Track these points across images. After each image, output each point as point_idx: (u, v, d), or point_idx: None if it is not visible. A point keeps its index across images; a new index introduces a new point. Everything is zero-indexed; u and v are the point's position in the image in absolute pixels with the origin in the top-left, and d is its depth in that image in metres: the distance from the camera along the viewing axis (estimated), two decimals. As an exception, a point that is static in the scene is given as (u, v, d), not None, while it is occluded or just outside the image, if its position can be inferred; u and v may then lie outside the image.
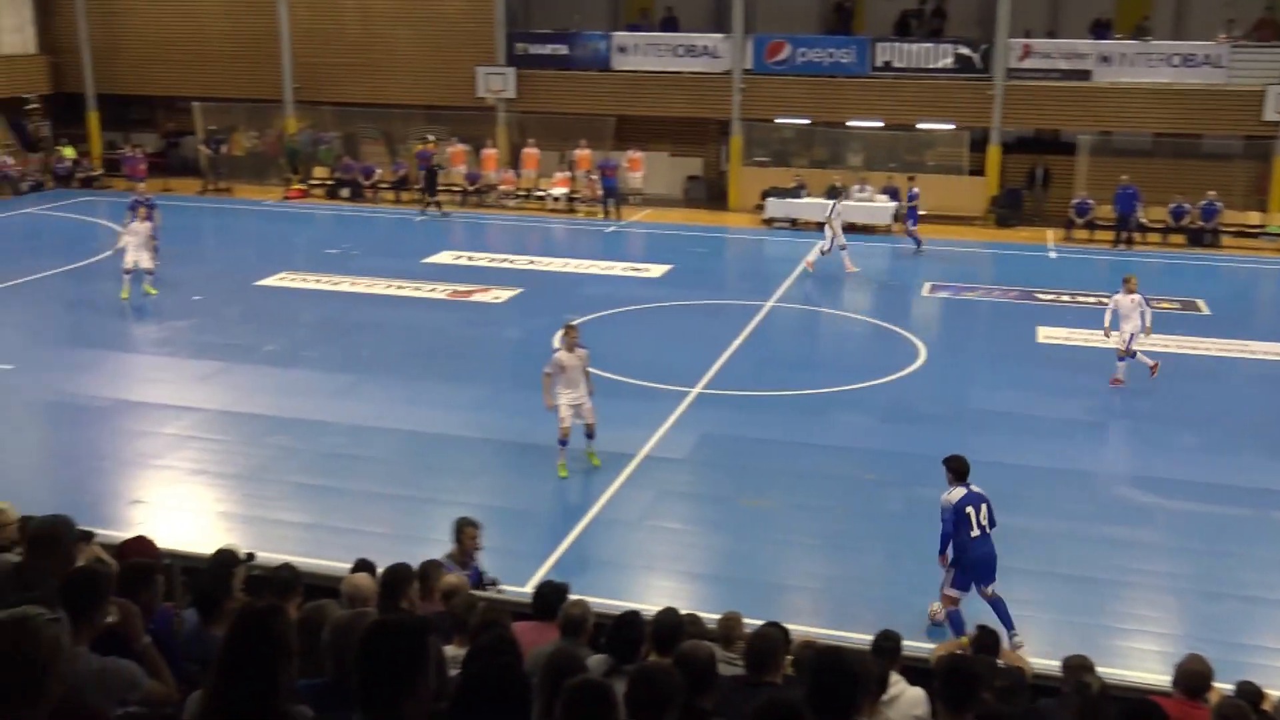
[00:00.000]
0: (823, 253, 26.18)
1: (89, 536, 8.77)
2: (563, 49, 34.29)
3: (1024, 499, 14.22)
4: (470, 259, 27.14)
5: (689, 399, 17.62)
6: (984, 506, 10.90)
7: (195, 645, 6.03)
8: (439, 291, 23.94)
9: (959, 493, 10.88)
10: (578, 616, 6.90)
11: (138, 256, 22.54)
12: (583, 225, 32.04)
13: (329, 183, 35.40)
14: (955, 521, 10.84)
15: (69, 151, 36.87)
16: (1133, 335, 18.11)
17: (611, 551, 12.97)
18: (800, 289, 24.92)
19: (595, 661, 6.14)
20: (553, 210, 33.41)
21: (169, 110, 39.05)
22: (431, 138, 35.19)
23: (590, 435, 14.76)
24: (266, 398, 17.58)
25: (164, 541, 10.18)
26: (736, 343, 20.67)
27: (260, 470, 14.99)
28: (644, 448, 15.64)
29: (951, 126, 32.39)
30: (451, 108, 35.08)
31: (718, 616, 7.94)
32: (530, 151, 34.34)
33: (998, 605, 10.94)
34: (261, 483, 14.60)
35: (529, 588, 9.99)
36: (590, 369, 14.85)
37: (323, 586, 8.30)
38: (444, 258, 27.07)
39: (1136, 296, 18.18)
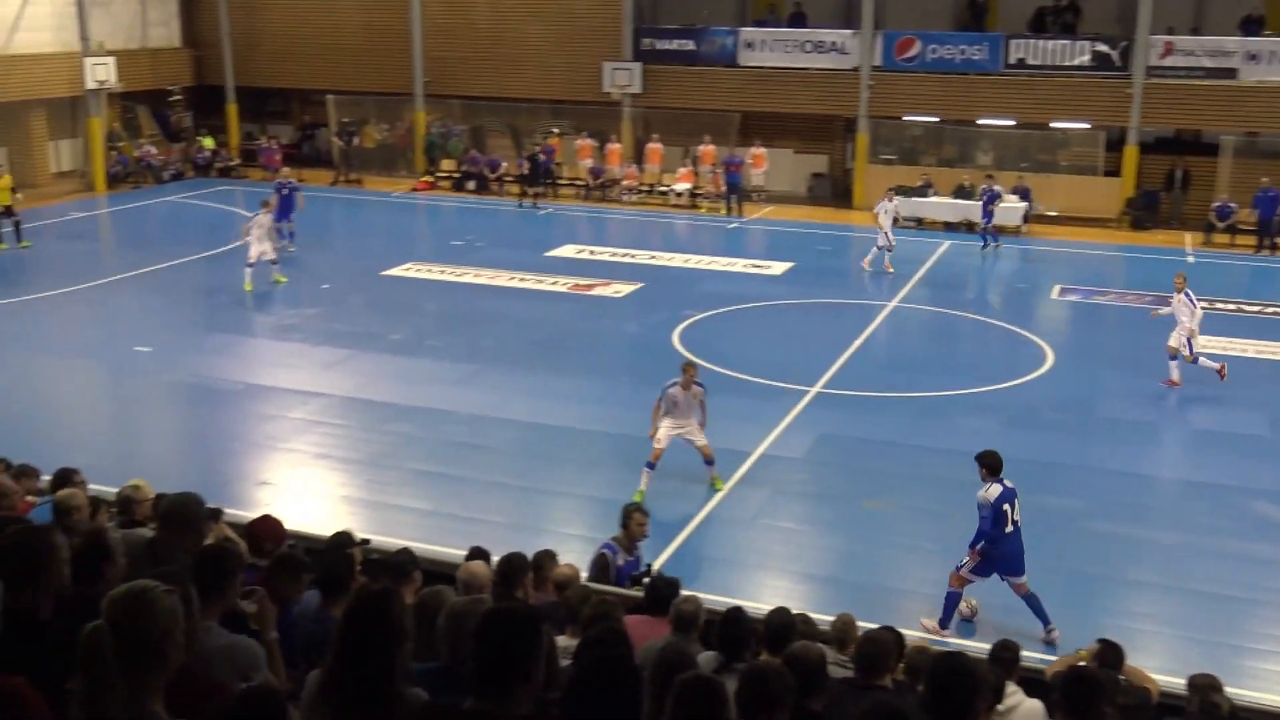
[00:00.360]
0: (880, 248, 25.79)
1: (217, 515, 9.05)
2: (689, 44, 34.27)
3: (1152, 510, 13.79)
4: (592, 253, 27.30)
5: (807, 398, 17.46)
6: (1016, 502, 10.95)
7: (315, 625, 6.15)
8: (560, 285, 24.13)
9: (996, 489, 10.87)
10: (690, 613, 6.87)
11: (261, 249, 23.16)
12: (705, 221, 31.99)
13: (455, 175, 35.94)
14: (994, 519, 10.80)
15: (208, 142, 38.09)
16: (1188, 338, 17.80)
17: (725, 549, 12.91)
18: (924, 290, 24.50)
19: (705, 658, 6.11)
20: (675, 206, 33.42)
21: (304, 103, 40.11)
22: (556, 131, 35.53)
23: (709, 462, 14.22)
24: (390, 385, 17.91)
25: (287, 523, 10.46)
26: (857, 343, 20.42)
27: (381, 456, 15.28)
28: (760, 446, 15.55)
29: (1086, 126, 31.52)
30: (577, 102, 35.35)
31: (830, 618, 7.85)
32: (654, 147, 34.41)
33: (1032, 601, 10.89)
34: (382, 469, 14.88)
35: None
36: (704, 404, 14.22)
37: (439, 573, 8.42)
38: (566, 251, 27.28)
39: (1180, 296, 17.98)
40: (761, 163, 33.68)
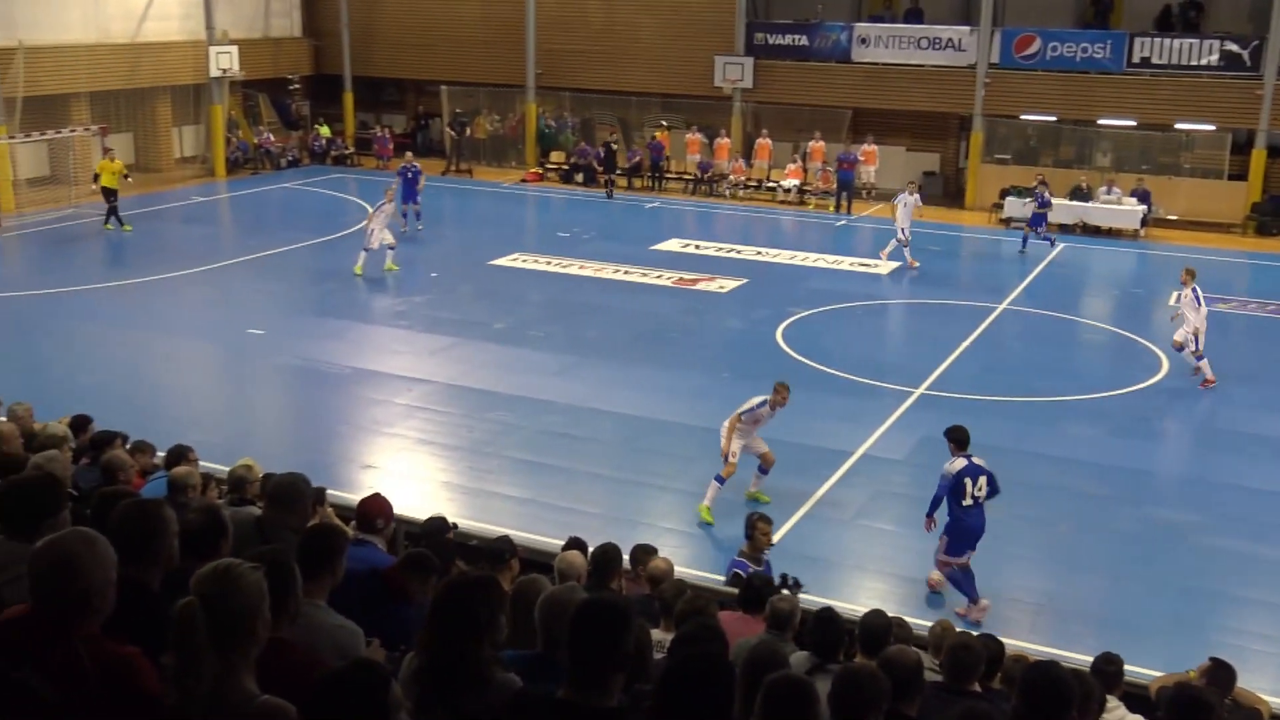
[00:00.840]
0: (898, 242, 25.26)
1: (321, 497, 9.24)
2: (802, 40, 34.01)
3: (1270, 527, 13.31)
4: (698, 247, 27.25)
5: (911, 399, 17.22)
6: (981, 479, 11.31)
7: (413, 608, 6.23)
8: (665, 278, 24.14)
9: (960, 463, 11.36)
10: (786, 611, 6.83)
11: (382, 236, 23.57)
12: (812, 218, 31.74)
13: (564, 167, 36.18)
14: (951, 489, 11.28)
15: (325, 130, 38.89)
16: (1194, 334, 17.89)
17: (822, 548, 12.79)
18: (1035, 292, 23.99)
19: (798, 658, 6.06)
20: (782, 202, 33.21)
21: (418, 93, 40.72)
22: (665, 124, 35.56)
23: (765, 471, 13.75)
24: (492, 374, 18.10)
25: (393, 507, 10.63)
26: (965, 344, 20.07)
27: (482, 444, 15.45)
28: (862, 446, 15.39)
29: (1212, 128, 30.55)
30: (687, 96, 35.32)
31: (928, 623, 7.72)
32: (763, 142, 34.24)
33: (967, 576, 11.37)
34: (483, 456, 15.04)
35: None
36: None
37: (535, 561, 8.49)
38: (672, 245, 27.28)
39: (1187, 292, 18.16)
40: (873, 160, 33.29)
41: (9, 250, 26.69)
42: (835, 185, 32.28)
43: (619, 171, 34.36)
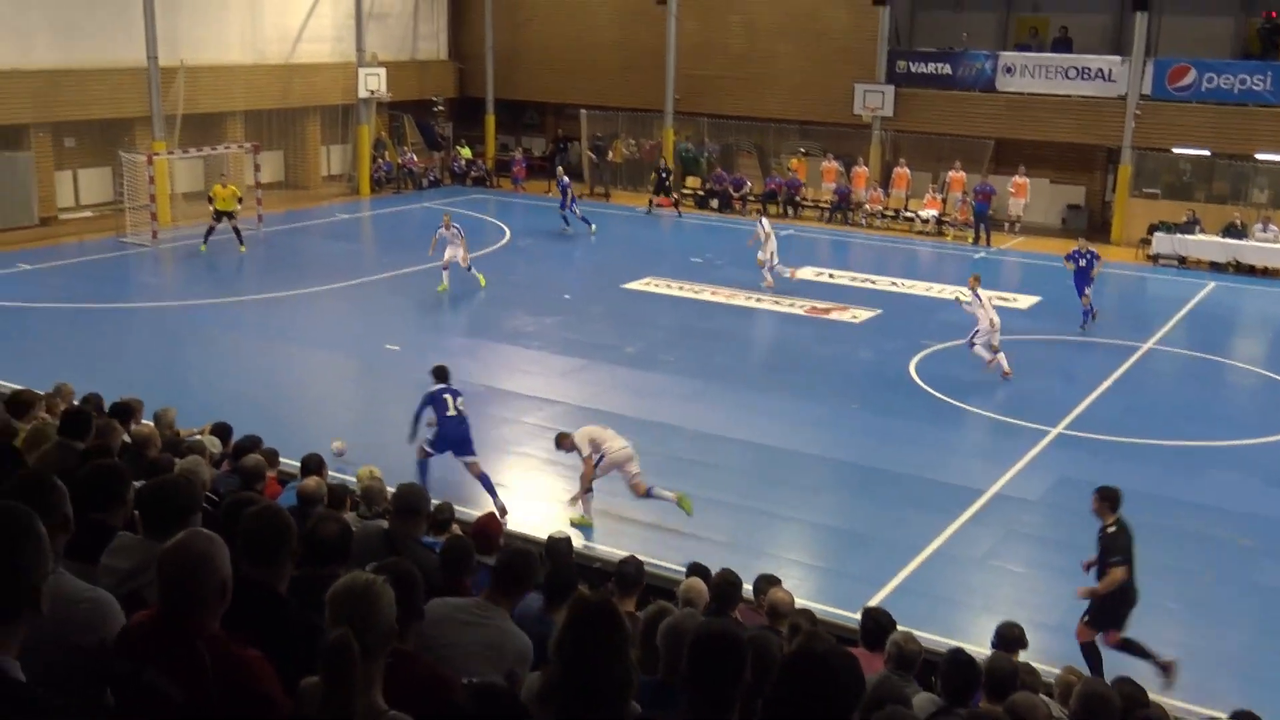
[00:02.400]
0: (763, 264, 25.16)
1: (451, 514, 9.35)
2: (945, 68, 33.55)
3: None
4: (831, 276, 26.99)
5: (1048, 438, 16.73)
6: (460, 398, 14.09)
7: (537, 628, 6.25)
8: (797, 306, 23.95)
9: (438, 386, 14.07)
10: (912, 652, 6.66)
11: (454, 254, 24.05)
12: (950, 249, 31.19)
13: (699, 193, 36.25)
14: (430, 402, 13.96)
15: (466, 151, 39.69)
16: (979, 331, 19.50)
17: (949, 587, 12.48)
18: (1184, 332, 23.14)
19: (922, 700, 5.89)
20: (920, 232, 32.72)
21: (558, 116, 41.31)
22: (803, 151, 35.39)
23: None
24: (622, 397, 18.14)
25: (515, 524, 10.73)
26: (1106, 384, 19.44)
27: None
28: (995, 485, 14.99)
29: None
30: (825, 123, 35.12)
31: (1056, 670, 7.45)
32: (901, 171, 33.81)
33: (485, 480, 13.81)
34: (608, 479, 15.03)
35: (857, 614, 9.73)
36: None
37: (657, 587, 8.45)
38: (805, 273, 27.06)
39: (972, 295, 19.83)
40: (1023, 192, 32.54)
41: (162, 261, 27.79)
42: (972, 216, 31.68)
43: (754, 198, 34.35)
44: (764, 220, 26.40)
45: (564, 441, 13.74)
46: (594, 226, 30.94)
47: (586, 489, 13.64)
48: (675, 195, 36.00)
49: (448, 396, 14.00)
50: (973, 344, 19.76)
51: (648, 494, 13.52)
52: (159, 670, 3.51)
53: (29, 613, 2.85)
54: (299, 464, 10.86)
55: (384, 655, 3.66)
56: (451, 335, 21.61)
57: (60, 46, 29.03)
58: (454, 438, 13.94)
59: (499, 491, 14.02)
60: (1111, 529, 10.61)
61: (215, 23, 32.95)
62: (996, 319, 19.65)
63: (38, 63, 28.52)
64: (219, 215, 27.68)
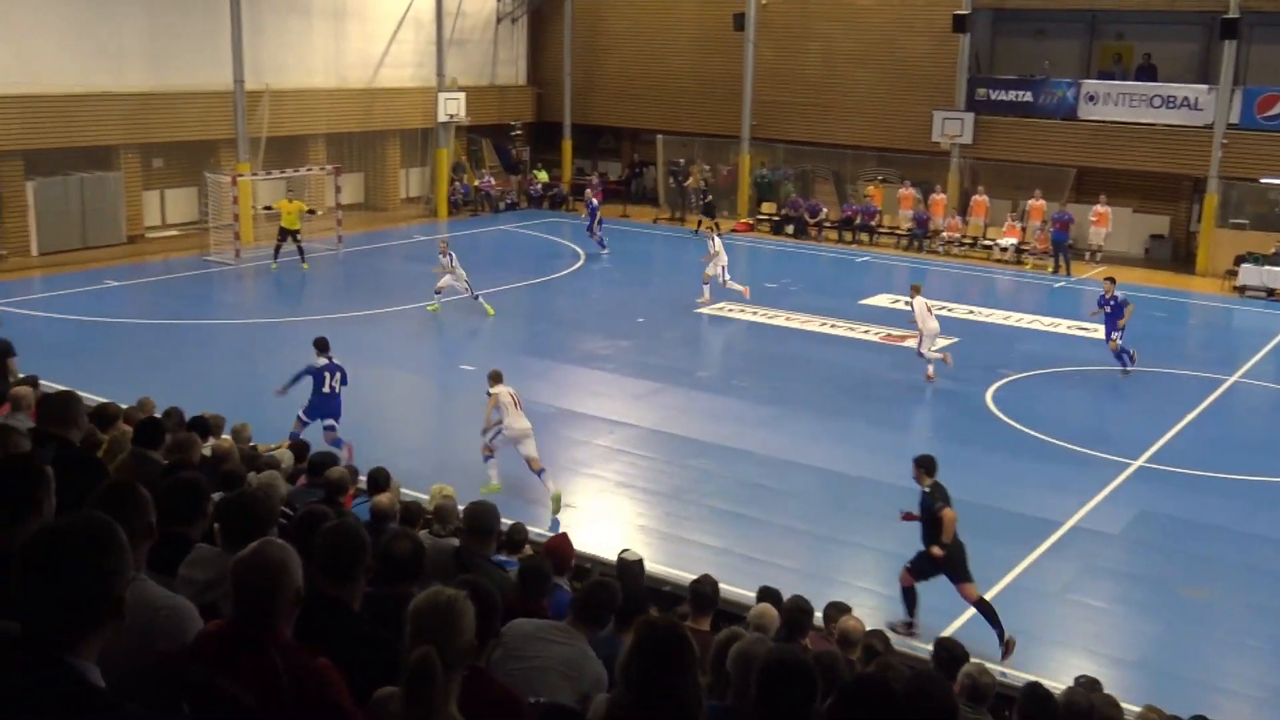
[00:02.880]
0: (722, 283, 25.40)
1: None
2: (1026, 95, 33.19)
3: None
4: (908, 304, 26.67)
5: (1128, 471, 16.40)
6: (339, 374, 15.61)
7: (606, 649, 6.23)
8: (872, 334, 23.77)
9: (322, 361, 15.65)
10: (986, 684, 6.55)
11: (449, 282, 23.92)
12: (1029, 279, 30.78)
13: (775, 218, 36.17)
14: (311, 375, 15.57)
15: (542, 175, 40.00)
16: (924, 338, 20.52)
17: (1025, 621, 12.24)
18: (1273, 365, 22.59)
19: (998, 735, 5.78)
20: (998, 261, 32.32)
21: (634, 141, 41.51)
22: (880, 177, 35.20)
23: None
24: (695, 421, 18.10)
25: (588, 546, 10.74)
26: (1189, 416, 19.02)
27: (681, 490, 15.44)
28: (1072, 518, 14.72)
29: None
30: (903, 151, 34.91)
31: (1136, 709, 7.27)
32: (980, 199, 33.45)
33: (337, 444, 15.10)
34: (681, 502, 15.03)
35: (929, 645, 9.58)
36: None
37: (726, 611, 8.39)
38: (881, 300, 26.87)
39: (917, 300, 20.82)
40: (1105, 222, 32.04)
41: (243, 280, 28.31)
42: (1051, 245, 31.25)
43: (830, 224, 34.25)
44: (716, 237, 26.55)
45: (491, 384, 15.09)
46: (607, 250, 30.99)
47: (488, 451, 15.05)
48: (751, 220, 36.04)
49: (327, 374, 15.60)
50: (920, 353, 20.62)
51: (539, 474, 14.69)
52: (232, 677, 3.56)
53: (110, 621, 2.89)
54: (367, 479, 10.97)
55: (462, 671, 3.68)
56: (525, 356, 21.72)
57: (151, 70, 29.79)
58: (325, 410, 15.60)
59: (573, 514, 14.02)
60: (929, 488, 11.65)
61: (300, 48, 33.63)
62: (935, 326, 20.75)
63: (129, 86, 29.28)
64: (284, 233, 28.22)
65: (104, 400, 10.80)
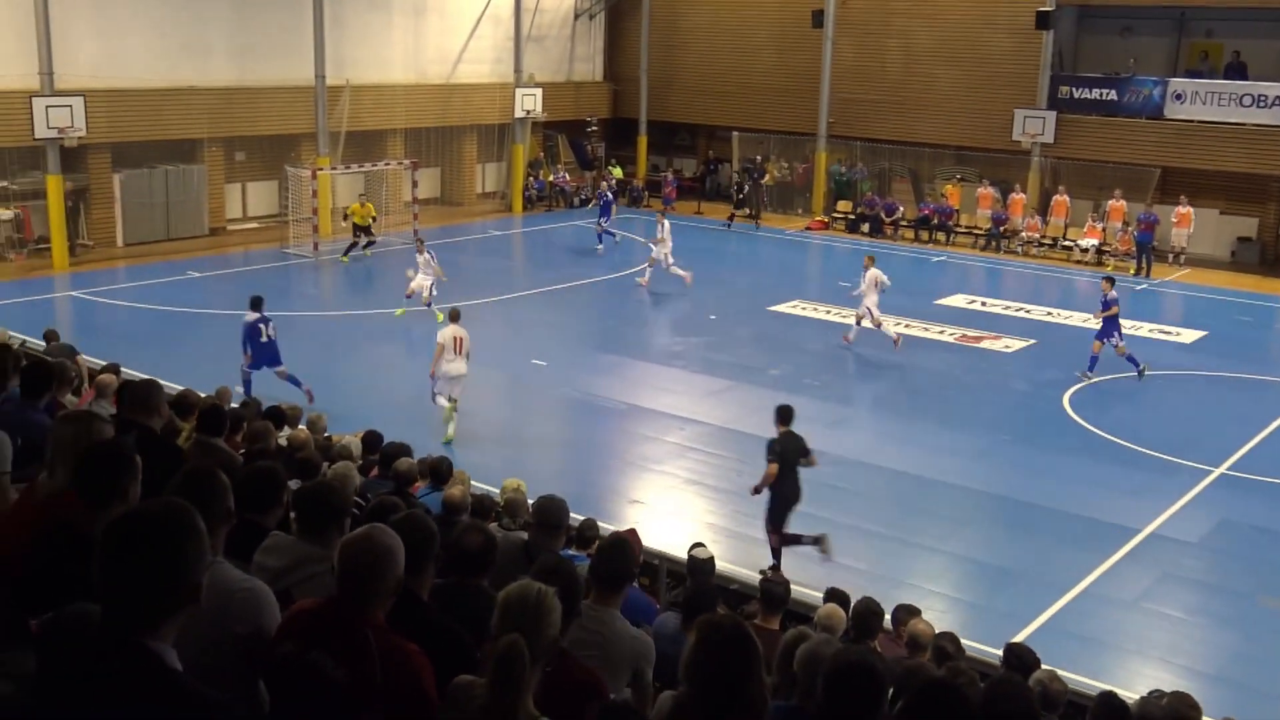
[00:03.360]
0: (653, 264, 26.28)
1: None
2: (1111, 94, 32.58)
3: None
4: (984, 304, 26.43)
5: (1210, 478, 16.05)
6: (271, 324, 17.28)
7: (671, 647, 6.24)
8: (947, 334, 23.51)
9: (254, 315, 17.18)
10: (1057, 691, 6.46)
11: (421, 283, 23.29)
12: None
13: (851, 217, 35.90)
14: (250, 331, 17.13)
15: (617, 171, 40.07)
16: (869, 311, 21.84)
17: (1099, 628, 12.05)
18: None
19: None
20: (1079, 262, 31.78)
21: (709, 138, 41.42)
22: (959, 177, 34.78)
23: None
24: (765, 420, 17.86)
25: (654, 543, 10.74)
26: (1275, 424, 18.56)
27: (750, 488, 15.34)
28: (1151, 524, 14.44)
29: None
30: (982, 149, 34.45)
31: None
32: (1060, 199, 32.90)
33: (291, 379, 17.18)
34: (750, 501, 14.93)
35: (1000, 650, 9.45)
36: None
37: (793, 612, 8.36)
38: (957, 301, 26.56)
39: (871, 272, 22.08)
40: (1187, 223, 31.37)
41: (321, 272, 28.72)
42: (1134, 247, 30.67)
43: (907, 223, 33.97)
44: (665, 222, 27.19)
45: (455, 317, 17.14)
46: (601, 249, 30.93)
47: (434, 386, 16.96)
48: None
49: (262, 325, 17.23)
50: (859, 322, 22.18)
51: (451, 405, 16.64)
52: (325, 653, 3.63)
53: (187, 605, 2.95)
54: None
55: (544, 664, 3.73)
56: (598, 352, 21.82)
57: (235, 65, 30.33)
58: (267, 357, 17.33)
59: (641, 510, 14.04)
60: (773, 438, 12.85)
61: (380, 44, 34.02)
62: (875, 300, 21.97)
63: (214, 80, 29.84)
64: (357, 229, 29.15)
65: (183, 389, 11.02)
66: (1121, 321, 20.77)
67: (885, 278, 22.22)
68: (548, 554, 5.51)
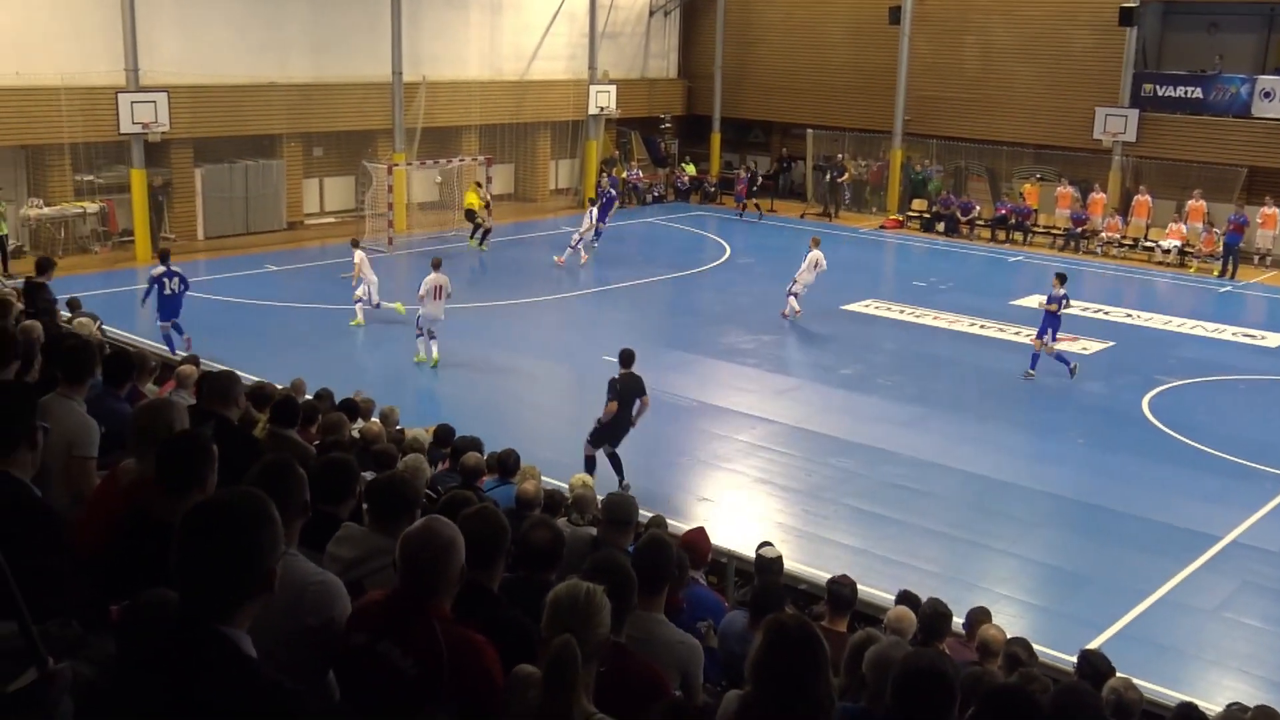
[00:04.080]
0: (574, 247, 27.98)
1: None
2: (1196, 92, 31.89)
3: None
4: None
5: (1295, 486, 15.66)
6: (176, 279, 18.99)
7: (738, 646, 6.23)
8: (1023, 335, 23.15)
9: (161, 269, 18.95)
10: (1132, 700, 6.34)
11: (363, 290, 22.63)
12: (1192, 282, 29.60)
13: (926, 216, 35.53)
14: (155, 283, 18.94)
15: (690, 168, 40.02)
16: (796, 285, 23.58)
17: (1176, 637, 11.81)
18: None
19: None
20: (1160, 263, 31.15)
21: (783, 135, 41.21)
22: (1039, 176, 34.27)
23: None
24: (836, 419, 17.92)
25: (723, 541, 10.71)
26: (1363, 431, 18.06)
27: (820, 489, 15.29)
28: (1232, 532, 14.12)
29: None
30: (1062, 148, 33.89)
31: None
32: (1142, 199, 32.26)
33: (178, 328, 19.10)
34: (819, 500, 14.89)
35: (1073, 656, 9.28)
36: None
37: (863, 613, 8.29)
38: (1033, 301, 26.12)
39: (815, 253, 23.70)
40: (1273, 224, 30.61)
41: (396, 266, 28.99)
42: (1221, 248, 29.99)
43: (983, 222, 33.55)
44: (594, 211, 28.88)
45: (436, 265, 20.08)
46: (563, 260, 29.51)
47: (419, 331, 19.73)
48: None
49: (166, 279, 18.89)
50: (792, 292, 23.63)
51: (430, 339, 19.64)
52: (395, 644, 3.68)
53: (262, 593, 3.00)
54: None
55: (597, 662, 3.72)
56: (668, 349, 21.78)
57: (313, 62, 30.74)
58: (169, 308, 19.00)
59: (710, 508, 14.02)
60: (614, 378, 14.62)
61: (456, 40, 34.29)
62: (810, 279, 23.56)
63: (293, 77, 30.27)
64: (469, 214, 30.48)
65: (260, 380, 11.19)
66: (1217, 326, 20.30)
67: (824, 262, 23.69)
68: (600, 552, 5.49)
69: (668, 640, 5.01)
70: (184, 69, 27.79)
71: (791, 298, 23.64)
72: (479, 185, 31.19)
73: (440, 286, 19.51)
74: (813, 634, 3.87)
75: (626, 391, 14.60)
